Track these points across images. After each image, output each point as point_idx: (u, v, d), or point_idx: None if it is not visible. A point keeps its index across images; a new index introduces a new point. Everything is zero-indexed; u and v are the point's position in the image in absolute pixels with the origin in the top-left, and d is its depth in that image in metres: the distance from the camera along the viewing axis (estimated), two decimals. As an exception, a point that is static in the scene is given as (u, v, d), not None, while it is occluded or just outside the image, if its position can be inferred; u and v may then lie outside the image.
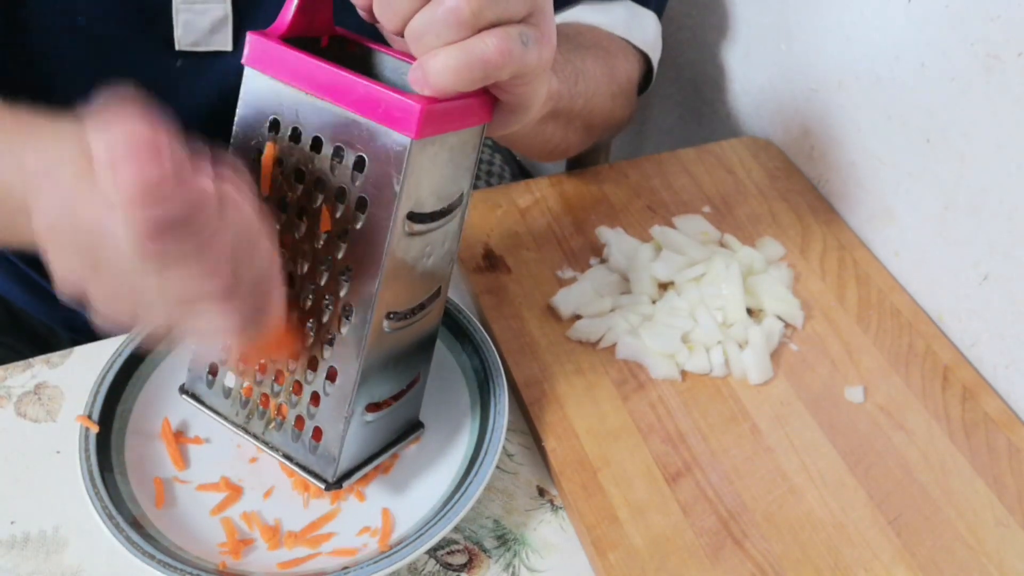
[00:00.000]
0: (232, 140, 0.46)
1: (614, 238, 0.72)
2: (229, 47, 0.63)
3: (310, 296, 0.47)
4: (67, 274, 0.36)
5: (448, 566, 0.54)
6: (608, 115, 0.72)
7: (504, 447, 0.59)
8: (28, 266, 0.78)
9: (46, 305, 0.80)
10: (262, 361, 0.49)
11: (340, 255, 0.45)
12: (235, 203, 0.37)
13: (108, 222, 0.33)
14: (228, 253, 0.37)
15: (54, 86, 0.63)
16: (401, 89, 0.42)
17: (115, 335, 0.46)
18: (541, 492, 0.58)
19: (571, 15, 0.73)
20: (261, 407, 0.50)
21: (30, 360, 0.63)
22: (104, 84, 0.63)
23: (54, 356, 0.64)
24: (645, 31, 0.75)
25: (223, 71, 0.63)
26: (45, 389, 0.62)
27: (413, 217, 0.44)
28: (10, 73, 0.62)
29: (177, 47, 0.62)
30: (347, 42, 0.49)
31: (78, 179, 0.34)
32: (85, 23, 0.60)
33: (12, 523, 0.55)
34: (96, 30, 0.60)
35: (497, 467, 0.57)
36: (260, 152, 0.45)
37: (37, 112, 0.50)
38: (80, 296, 0.37)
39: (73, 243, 0.35)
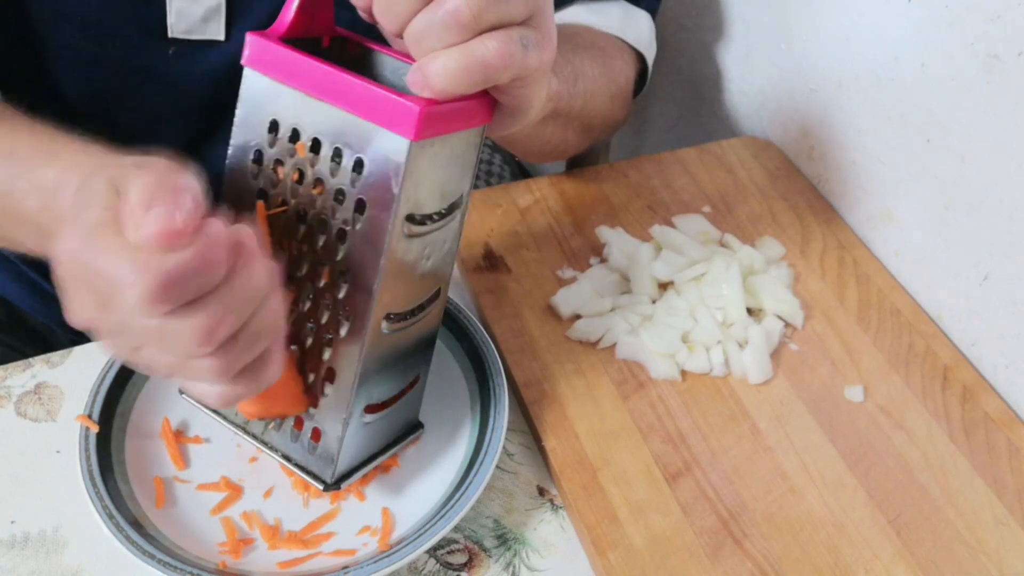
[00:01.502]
0: (231, 141, 0.46)
1: (614, 238, 0.72)
2: (222, 36, 0.63)
3: (310, 297, 0.47)
4: (79, 308, 0.38)
5: (448, 566, 0.54)
6: (606, 115, 0.72)
7: (504, 447, 0.60)
8: (29, 267, 0.78)
9: (46, 305, 0.80)
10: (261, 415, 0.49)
11: (339, 257, 0.45)
12: (246, 262, 0.38)
13: (122, 272, 0.35)
14: (232, 309, 0.37)
15: (49, 72, 0.63)
16: (402, 90, 0.42)
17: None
18: (541, 492, 0.58)
19: (566, 15, 0.73)
20: (261, 407, 0.50)
21: (30, 360, 0.64)
22: (98, 70, 0.64)
23: (54, 356, 0.64)
24: (640, 30, 0.75)
25: (215, 60, 0.63)
26: (45, 389, 0.62)
27: (412, 219, 0.44)
28: (7, 60, 0.62)
29: (170, 34, 0.62)
30: (348, 43, 0.48)
31: (102, 225, 0.36)
32: (78, 9, 0.60)
33: (12, 523, 0.55)
34: (90, 16, 0.61)
35: (497, 467, 0.57)
36: (260, 154, 0.45)
37: (53, 126, 0.52)
38: (88, 327, 0.38)
39: (87, 283, 0.36)
